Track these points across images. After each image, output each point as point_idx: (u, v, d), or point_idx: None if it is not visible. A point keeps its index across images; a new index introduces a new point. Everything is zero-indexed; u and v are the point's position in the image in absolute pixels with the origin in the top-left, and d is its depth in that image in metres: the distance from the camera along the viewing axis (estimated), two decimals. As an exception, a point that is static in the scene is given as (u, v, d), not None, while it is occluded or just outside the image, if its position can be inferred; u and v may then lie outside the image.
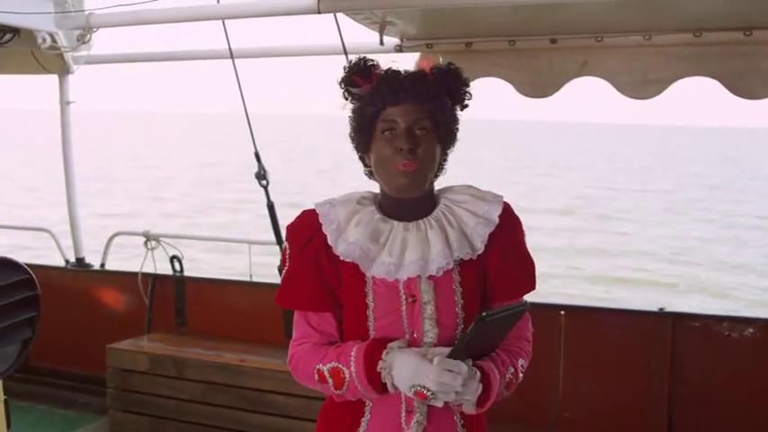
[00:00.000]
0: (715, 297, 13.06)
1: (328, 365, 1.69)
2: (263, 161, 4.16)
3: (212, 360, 4.25)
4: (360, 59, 1.72)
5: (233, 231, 17.74)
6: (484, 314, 1.52)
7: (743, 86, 3.48)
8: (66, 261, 5.34)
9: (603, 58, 3.67)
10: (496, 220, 1.73)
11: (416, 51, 3.94)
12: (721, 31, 3.39)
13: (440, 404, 1.62)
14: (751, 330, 3.81)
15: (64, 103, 5.02)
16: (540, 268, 1.82)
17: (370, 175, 1.78)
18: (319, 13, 3.40)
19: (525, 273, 1.79)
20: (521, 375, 1.76)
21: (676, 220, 22.77)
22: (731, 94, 3.52)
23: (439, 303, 1.69)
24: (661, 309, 3.99)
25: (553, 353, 4.02)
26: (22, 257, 2.73)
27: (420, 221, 1.72)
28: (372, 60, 1.72)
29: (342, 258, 1.70)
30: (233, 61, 4.00)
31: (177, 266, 4.93)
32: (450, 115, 1.73)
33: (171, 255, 4.95)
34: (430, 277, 1.69)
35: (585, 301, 10.62)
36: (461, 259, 1.70)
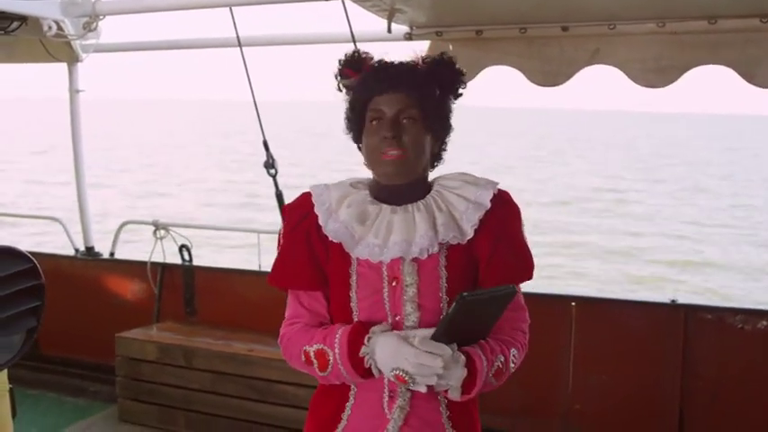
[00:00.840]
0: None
1: (314, 347, 1.70)
2: (272, 150, 4.13)
3: (221, 350, 4.25)
4: (354, 51, 1.77)
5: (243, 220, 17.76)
6: (465, 294, 1.49)
7: (759, 75, 3.40)
8: (76, 250, 5.35)
9: (616, 46, 3.60)
10: (488, 205, 1.72)
11: (426, 39, 3.88)
12: (737, 18, 3.32)
13: (422, 389, 1.60)
14: (764, 323, 3.76)
15: (73, 91, 5.02)
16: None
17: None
18: (327, -1, 3.36)
19: (520, 261, 1.77)
20: (512, 366, 1.72)
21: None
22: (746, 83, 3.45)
23: (421, 286, 1.69)
24: (673, 300, 3.95)
25: (564, 344, 3.99)
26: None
27: (408, 205, 1.72)
28: (367, 52, 1.77)
29: (329, 238, 1.71)
30: (241, 49, 3.97)
31: (186, 256, 4.93)
32: (439, 104, 1.74)
33: (180, 244, 4.95)
34: (414, 260, 1.69)
35: (597, 293, 10.59)
36: (449, 243, 1.70)
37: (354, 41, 3.67)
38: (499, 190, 1.75)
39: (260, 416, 4.10)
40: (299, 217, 1.77)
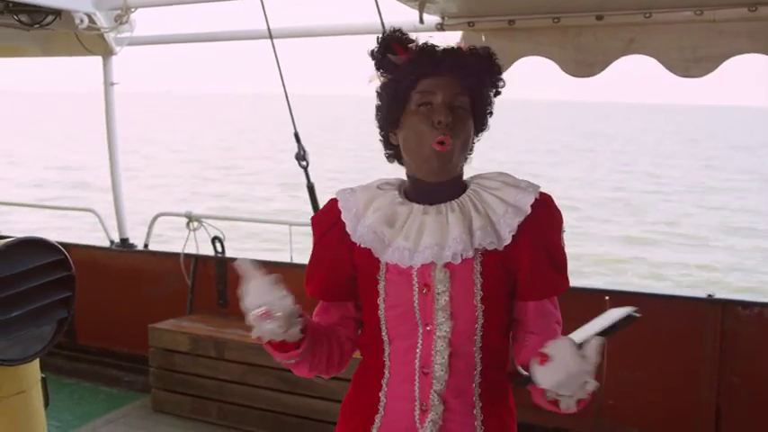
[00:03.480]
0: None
1: None
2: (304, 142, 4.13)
3: (253, 341, 4.22)
4: (395, 29, 1.61)
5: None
6: (636, 314, 1.39)
7: (800, 63, 3.32)
8: (111, 241, 5.41)
9: (652, 35, 3.54)
10: (528, 210, 1.57)
11: (458, 30, 3.84)
12: (778, 4, 3.24)
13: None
14: (804, 318, 3.66)
15: (108, 84, 5.08)
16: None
17: (391, 157, 1.68)
18: (358, -10, 3.34)
19: (559, 274, 1.62)
20: None
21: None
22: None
23: (454, 294, 1.56)
24: (710, 295, 3.87)
25: (597, 339, 3.92)
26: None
27: (441, 205, 1.59)
28: (408, 35, 1.61)
29: (357, 244, 1.62)
30: (272, 41, 3.96)
31: (219, 247, 4.95)
32: (487, 96, 1.63)
33: (213, 236, 4.97)
34: (447, 265, 1.56)
35: (631, 287, 10.44)
36: (485, 249, 1.56)
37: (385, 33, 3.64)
38: (541, 193, 1.61)
39: (290, 407, 4.11)
40: (326, 226, 1.68)
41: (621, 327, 1.41)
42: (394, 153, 1.67)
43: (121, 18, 4.02)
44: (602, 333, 1.39)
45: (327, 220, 1.68)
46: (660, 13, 3.43)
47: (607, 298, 3.94)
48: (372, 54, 1.62)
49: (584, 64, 3.68)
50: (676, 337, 3.91)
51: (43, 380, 2.65)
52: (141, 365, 4.77)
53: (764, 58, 3.41)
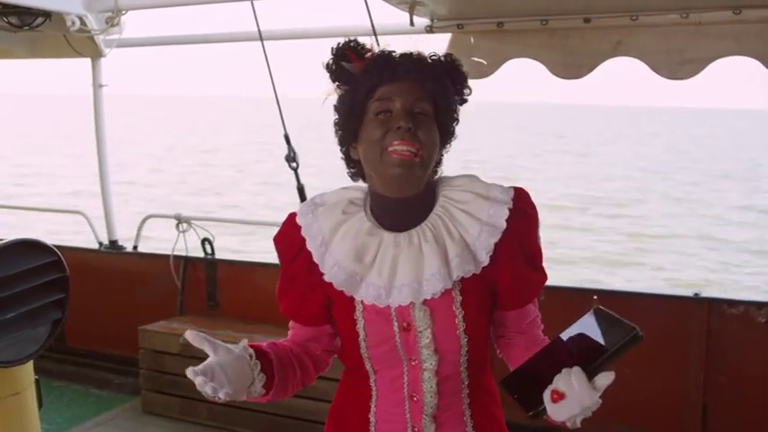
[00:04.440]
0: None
1: None
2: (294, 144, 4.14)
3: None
4: (350, 40, 1.53)
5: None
6: (640, 334, 1.37)
7: (786, 66, 3.37)
8: (100, 243, 5.40)
9: (638, 38, 3.58)
10: (503, 226, 1.50)
11: (447, 32, 3.88)
12: (763, 7, 3.28)
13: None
14: (790, 317, 3.71)
15: (96, 86, 5.07)
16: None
17: (354, 176, 1.60)
18: (348, -8, 3.36)
19: (538, 272, 1.58)
20: None
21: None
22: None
23: (436, 331, 1.51)
24: (696, 294, 3.91)
25: (585, 338, 3.96)
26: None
27: (413, 232, 1.51)
28: (364, 44, 1.53)
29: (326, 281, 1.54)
30: (262, 43, 3.98)
31: (208, 249, 4.96)
32: (451, 102, 1.54)
33: (202, 237, 4.98)
34: (425, 302, 1.50)
35: (619, 286, 10.52)
36: (462, 276, 1.50)
37: (375, 34, 3.66)
38: (515, 190, 1.54)
39: (281, 408, 4.11)
40: (293, 252, 1.59)
41: (627, 348, 1.40)
42: (356, 170, 1.59)
43: (112, 20, 4.02)
44: (610, 357, 1.38)
45: (291, 248, 1.59)
46: (646, 15, 3.48)
47: (595, 297, 3.96)
48: (327, 66, 1.54)
49: (571, 66, 3.72)
50: (663, 336, 3.95)
51: (37, 381, 2.66)
52: (131, 367, 4.76)
53: (749, 60, 3.46)
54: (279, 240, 1.63)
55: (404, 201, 1.51)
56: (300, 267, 1.58)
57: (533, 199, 1.58)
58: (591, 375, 1.34)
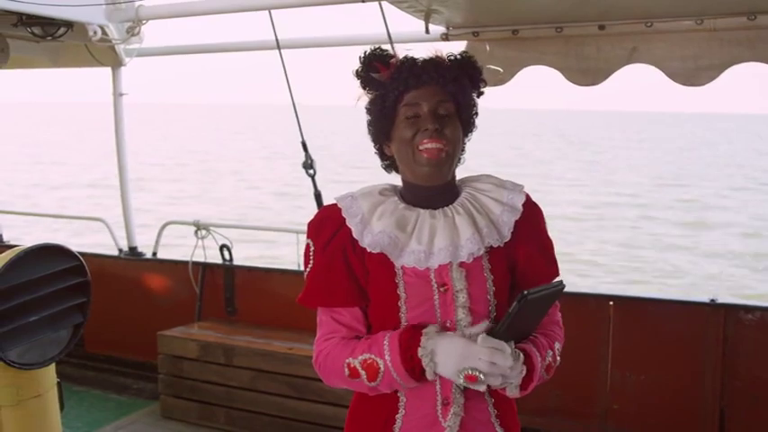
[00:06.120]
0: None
1: (359, 358, 1.64)
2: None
3: (261, 348, 4.30)
4: (375, 48, 1.71)
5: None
6: (525, 292, 1.50)
7: (800, 71, 3.35)
8: (120, 250, 5.47)
9: (654, 45, 3.58)
10: (521, 209, 1.73)
11: (463, 40, 3.90)
12: (777, 13, 3.28)
13: (482, 388, 1.57)
14: (807, 323, 3.70)
15: (117, 95, 5.14)
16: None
17: (388, 168, 1.79)
18: (364, 1, 3.40)
19: (550, 261, 1.79)
20: (558, 359, 1.73)
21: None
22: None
23: (471, 291, 1.66)
24: (713, 300, 3.90)
25: (602, 343, 3.97)
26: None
27: (446, 208, 1.70)
28: (387, 50, 1.71)
29: (369, 250, 1.67)
30: (279, 51, 4.03)
31: (227, 255, 5.01)
32: (471, 99, 1.74)
33: (221, 244, 5.02)
34: (461, 264, 1.66)
35: (635, 292, 10.47)
36: (490, 246, 1.69)
37: (392, 42, 3.70)
38: (523, 187, 1.78)
39: (299, 413, 4.15)
40: (330, 233, 1.70)
41: (550, 290, 1.57)
42: (390, 163, 1.78)
43: (133, 30, 4.09)
44: (503, 324, 1.56)
45: (329, 227, 1.71)
46: (661, 22, 3.48)
47: (611, 303, 3.98)
48: (357, 74, 1.73)
49: (587, 73, 3.73)
50: (680, 342, 3.95)
51: (59, 384, 2.70)
52: (150, 373, 4.82)
53: (765, 66, 3.46)
54: (314, 226, 1.74)
55: (434, 189, 1.71)
56: (338, 245, 1.69)
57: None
58: (497, 333, 1.57)
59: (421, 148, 1.65)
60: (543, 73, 3.92)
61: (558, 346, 1.74)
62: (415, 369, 1.59)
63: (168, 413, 4.55)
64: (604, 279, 13.22)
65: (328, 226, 1.71)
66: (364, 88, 1.74)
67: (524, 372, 1.58)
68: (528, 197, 1.76)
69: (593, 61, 3.70)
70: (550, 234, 1.82)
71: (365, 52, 1.71)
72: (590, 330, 3.99)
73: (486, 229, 1.68)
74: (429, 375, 1.59)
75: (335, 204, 1.73)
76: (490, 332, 1.57)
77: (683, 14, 3.44)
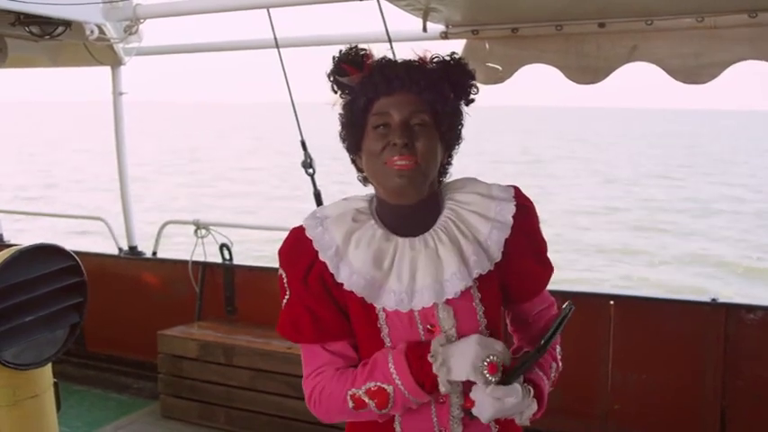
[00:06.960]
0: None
1: (363, 387, 1.51)
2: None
3: (261, 347, 4.29)
4: (351, 48, 1.53)
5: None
6: (542, 341, 1.46)
7: (802, 69, 3.34)
8: (120, 249, 5.46)
9: (654, 42, 3.56)
10: (510, 222, 1.54)
11: (462, 38, 3.89)
12: (778, 10, 3.26)
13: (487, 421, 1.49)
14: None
15: (116, 94, 5.14)
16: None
17: (365, 180, 1.59)
18: (362, -1, 3.39)
19: (544, 263, 1.64)
20: (560, 365, 1.67)
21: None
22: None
23: (461, 328, 1.51)
24: (714, 299, 3.89)
25: (603, 343, 3.95)
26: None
27: (427, 235, 1.52)
28: (365, 49, 1.53)
29: (345, 287, 1.51)
30: (278, 50, 4.01)
31: (227, 255, 5.00)
32: (452, 108, 1.54)
33: (220, 243, 5.02)
34: (448, 301, 1.51)
35: (636, 291, 10.46)
36: (479, 274, 1.52)
37: (390, 41, 3.69)
38: (513, 188, 1.60)
39: (299, 413, 4.13)
40: (305, 265, 1.54)
41: (563, 322, 1.51)
42: (364, 177, 1.59)
43: (131, 29, 4.08)
44: (523, 365, 1.50)
45: (304, 256, 1.55)
46: (662, 20, 3.46)
47: (612, 303, 3.97)
48: (327, 76, 1.55)
49: (587, 71, 3.72)
50: (681, 341, 3.93)
51: (55, 384, 2.69)
52: (150, 372, 4.81)
53: (766, 64, 3.44)
54: (286, 254, 1.58)
55: (409, 207, 1.53)
56: (315, 280, 1.54)
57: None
58: (509, 381, 1.47)
59: (390, 161, 1.47)
60: (542, 71, 3.90)
61: (559, 349, 1.67)
62: (425, 381, 1.48)
63: (168, 413, 4.54)
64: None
65: (302, 257, 1.55)
66: (335, 92, 1.56)
67: (535, 407, 1.49)
68: (518, 193, 1.59)
69: (593, 59, 3.68)
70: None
71: (341, 50, 1.54)
72: (591, 330, 3.97)
73: (473, 257, 1.50)
74: (442, 384, 1.47)
75: (302, 230, 1.56)
76: (501, 381, 1.45)
77: (684, 12, 3.42)
